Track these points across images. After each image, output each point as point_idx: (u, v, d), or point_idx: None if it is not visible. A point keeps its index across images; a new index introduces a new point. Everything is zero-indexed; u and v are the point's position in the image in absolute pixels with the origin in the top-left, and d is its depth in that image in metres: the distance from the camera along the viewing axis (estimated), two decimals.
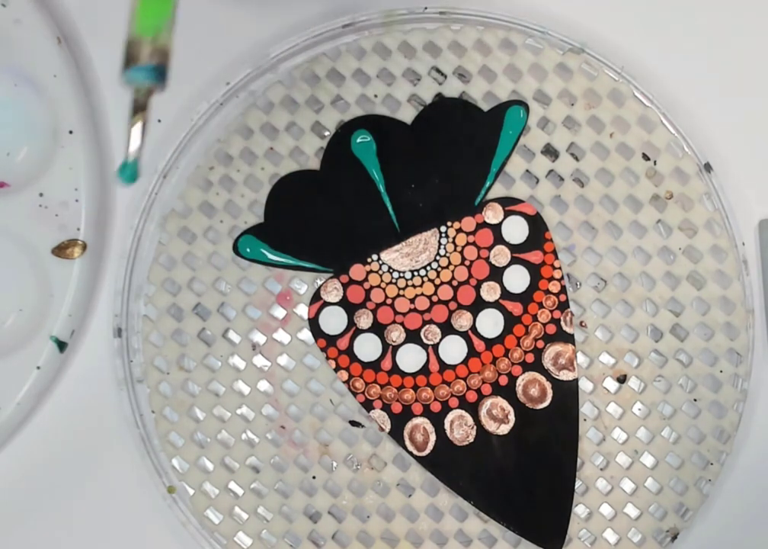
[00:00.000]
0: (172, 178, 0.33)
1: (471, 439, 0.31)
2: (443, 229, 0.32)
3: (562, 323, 0.32)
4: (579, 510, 0.32)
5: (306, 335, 0.32)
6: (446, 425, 0.31)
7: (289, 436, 0.32)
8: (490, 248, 0.32)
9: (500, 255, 0.32)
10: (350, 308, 0.32)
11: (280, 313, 0.32)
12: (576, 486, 0.31)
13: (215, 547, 0.32)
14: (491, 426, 0.31)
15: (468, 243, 0.32)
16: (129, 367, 0.32)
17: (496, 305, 0.32)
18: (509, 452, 0.31)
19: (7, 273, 0.32)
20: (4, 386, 0.32)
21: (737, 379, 0.32)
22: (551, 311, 0.32)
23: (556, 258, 0.32)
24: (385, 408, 0.31)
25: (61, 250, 0.32)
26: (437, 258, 0.32)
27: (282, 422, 0.32)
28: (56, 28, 0.32)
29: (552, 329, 0.32)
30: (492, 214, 0.32)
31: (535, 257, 0.32)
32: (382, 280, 0.32)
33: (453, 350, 0.32)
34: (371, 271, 0.32)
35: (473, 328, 0.32)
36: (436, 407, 0.31)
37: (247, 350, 0.32)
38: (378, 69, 0.32)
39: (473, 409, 0.31)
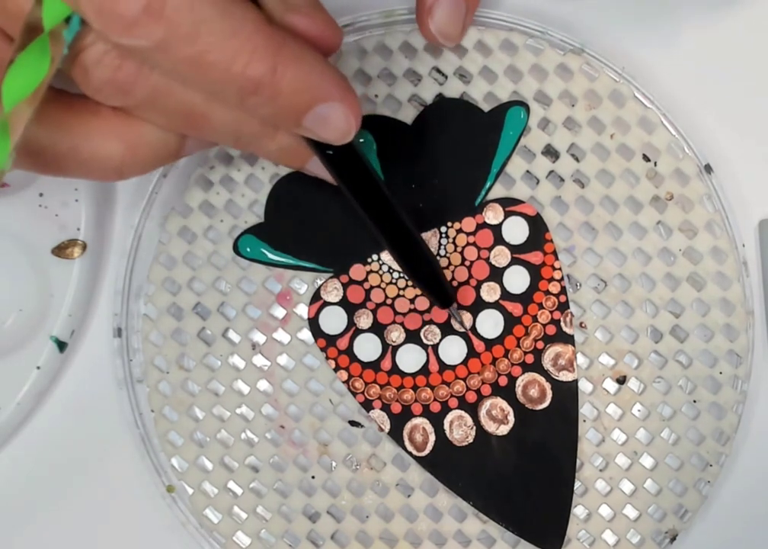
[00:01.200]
0: (172, 178, 0.33)
1: (470, 440, 0.31)
2: (443, 229, 0.32)
3: (562, 324, 0.32)
4: (578, 511, 0.32)
5: (306, 334, 0.32)
6: (446, 426, 0.31)
7: (288, 436, 0.32)
8: (490, 249, 0.32)
9: (500, 256, 0.32)
10: (350, 308, 0.32)
11: (279, 312, 0.32)
12: (575, 487, 0.31)
13: (214, 546, 0.32)
14: (490, 427, 0.31)
15: (468, 244, 0.32)
16: (128, 367, 0.32)
17: (496, 305, 0.32)
18: (508, 453, 0.31)
19: (7, 273, 0.32)
20: (4, 386, 0.32)
21: (737, 380, 0.32)
22: (551, 312, 0.32)
23: (556, 258, 0.32)
24: (385, 408, 0.32)
25: (61, 250, 0.32)
26: (437, 258, 0.32)
27: (281, 421, 0.32)
28: None
29: (551, 330, 0.32)
30: (492, 215, 0.32)
31: (535, 258, 0.32)
32: (382, 281, 0.32)
33: (453, 350, 0.32)
34: (371, 271, 0.32)
35: (473, 328, 0.32)
36: (435, 407, 0.32)
37: (247, 349, 0.32)
38: (379, 69, 0.32)
39: (473, 409, 0.31)
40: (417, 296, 0.32)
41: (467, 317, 0.32)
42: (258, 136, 0.25)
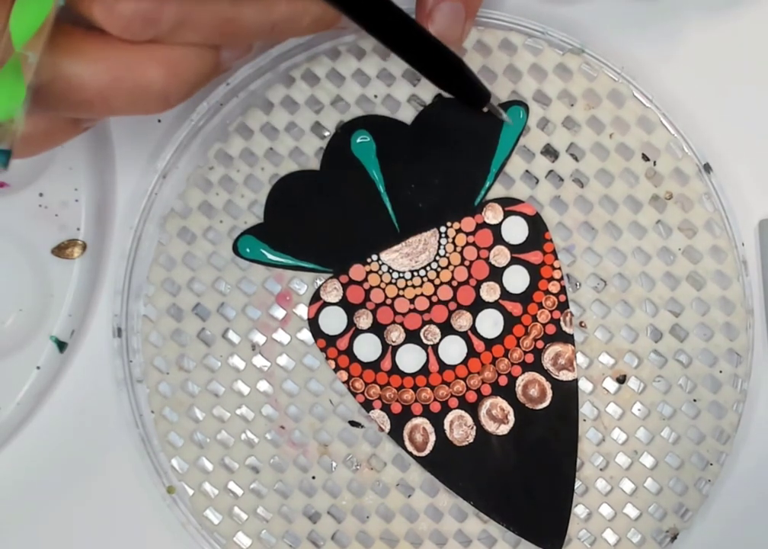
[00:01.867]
0: (172, 178, 0.33)
1: (470, 439, 0.31)
2: (442, 229, 0.32)
3: (562, 324, 0.32)
4: (578, 510, 0.32)
5: (306, 335, 0.32)
6: (446, 426, 0.31)
7: (288, 436, 0.32)
8: (489, 249, 0.32)
9: (499, 256, 0.32)
10: (349, 308, 0.32)
11: (279, 313, 0.32)
12: (575, 487, 0.31)
13: (214, 547, 0.32)
14: (490, 426, 0.31)
15: (467, 243, 0.32)
16: (128, 367, 0.32)
17: (496, 305, 0.32)
18: (508, 452, 0.31)
19: (7, 273, 0.32)
20: (4, 386, 0.32)
21: (737, 379, 0.32)
22: (550, 311, 0.32)
23: (556, 258, 0.32)
24: (385, 408, 0.31)
25: (61, 250, 0.32)
26: (437, 258, 0.32)
27: (281, 422, 0.32)
28: None
29: (551, 330, 0.32)
30: (492, 214, 0.32)
31: (534, 257, 0.32)
32: (381, 281, 0.32)
33: (453, 350, 0.32)
34: (371, 272, 0.32)
35: (473, 328, 0.32)
36: (435, 407, 0.31)
37: (246, 350, 0.32)
38: (378, 70, 0.32)
39: (473, 409, 0.31)
40: (416, 296, 0.32)
41: (466, 317, 0.32)
42: (291, 17, 0.25)
